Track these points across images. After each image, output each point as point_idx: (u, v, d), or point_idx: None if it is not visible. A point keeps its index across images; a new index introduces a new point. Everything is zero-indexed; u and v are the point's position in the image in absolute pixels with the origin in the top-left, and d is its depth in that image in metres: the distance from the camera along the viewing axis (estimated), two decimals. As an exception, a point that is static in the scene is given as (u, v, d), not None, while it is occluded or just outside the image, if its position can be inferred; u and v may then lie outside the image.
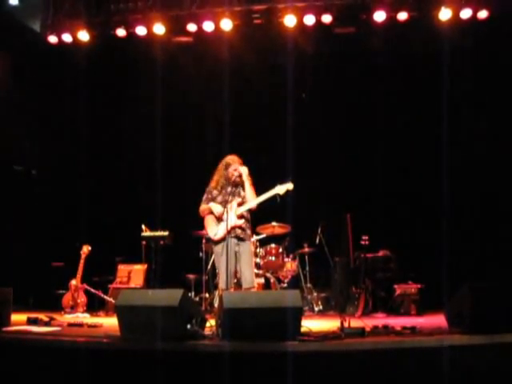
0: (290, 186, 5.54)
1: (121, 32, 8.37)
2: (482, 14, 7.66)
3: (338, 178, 8.66)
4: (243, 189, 5.72)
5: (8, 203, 8.14)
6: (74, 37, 8.47)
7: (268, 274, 7.47)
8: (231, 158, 5.80)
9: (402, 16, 7.82)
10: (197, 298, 7.64)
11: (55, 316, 5.78)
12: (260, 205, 5.64)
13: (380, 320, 6.06)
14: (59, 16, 8.50)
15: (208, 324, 4.54)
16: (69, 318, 6.59)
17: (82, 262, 7.41)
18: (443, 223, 7.60)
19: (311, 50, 8.45)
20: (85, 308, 7.29)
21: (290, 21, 7.96)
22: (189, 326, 4.08)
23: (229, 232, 5.44)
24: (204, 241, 7.56)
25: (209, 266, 7.54)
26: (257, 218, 6.22)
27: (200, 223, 5.91)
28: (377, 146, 8.53)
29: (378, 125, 8.47)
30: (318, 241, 7.65)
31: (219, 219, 5.61)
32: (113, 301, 7.15)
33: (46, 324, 5.28)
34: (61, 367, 3.97)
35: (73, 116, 9.09)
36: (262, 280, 7.45)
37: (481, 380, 3.77)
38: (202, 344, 4.02)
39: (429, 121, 8.32)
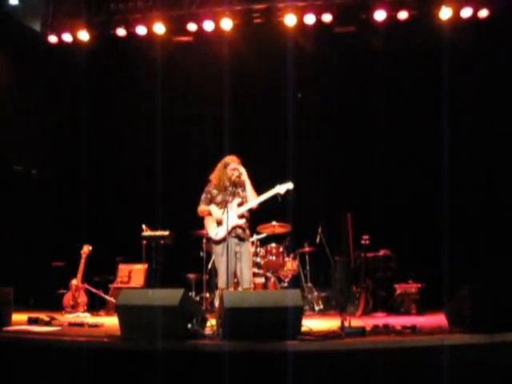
0: (290, 185, 5.54)
1: (121, 32, 8.38)
2: (483, 13, 7.67)
3: (338, 177, 8.66)
4: (243, 189, 5.73)
5: (8, 203, 8.14)
6: (74, 36, 8.48)
7: (268, 274, 7.47)
8: (230, 158, 5.79)
9: (403, 15, 7.82)
10: (197, 298, 7.64)
11: (56, 316, 5.78)
12: (261, 204, 5.64)
13: (380, 319, 6.07)
14: (59, 16, 8.52)
15: (208, 323, 4.55)
16: (69, 317, 6.60)
17: (82, 261, 7.41)
18: (444, 223, 7.59)
19: (311, 50, 8.44)
20: (85, 308, 7.29)
21: (290, 20, 7.97)
22: (189, 326, 4.09)
23: (230, 232, 5.45)
24: (204, 240, 7.56)
25: (209, 266, 7.53)
26: (257, 217, 6.23)
27: (200, 223, 5.91)
28: (377, 146, 8.53)
29: (378, 124, 8.46)
30: (318, 240, 7.64)
31: (219, 223, 5.61)
32: (113, 300, 7.16)
33: (47, 324, 5.29)
34: (61, 367, 3.97)
35: (73, 116, 9.09)
36: (263, 279, 7.45)
37: (481, 379, 3.77)
38: (203, 343, 4.03)
39: (429, 120, 8.31)
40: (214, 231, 5.65)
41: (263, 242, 7.76)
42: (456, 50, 7.71)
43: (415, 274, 7.23)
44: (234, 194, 5.66)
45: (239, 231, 5.62)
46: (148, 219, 7.83)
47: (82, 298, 7.30)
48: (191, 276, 7.98)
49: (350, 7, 7.94)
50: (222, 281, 5.47)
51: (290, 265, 7.64)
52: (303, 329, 4.26)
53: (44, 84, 8.96)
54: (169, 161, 8.59)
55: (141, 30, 8.32)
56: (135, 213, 8.43)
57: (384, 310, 7.00)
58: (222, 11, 8.06)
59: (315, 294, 7.69)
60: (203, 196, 5.80)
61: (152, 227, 7.79)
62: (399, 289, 7.08)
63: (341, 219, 7.85)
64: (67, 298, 7.29)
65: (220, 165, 5.81)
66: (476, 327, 4.03)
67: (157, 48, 8.49)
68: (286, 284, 7.64)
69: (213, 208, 5.68)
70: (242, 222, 5.64)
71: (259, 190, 5.72)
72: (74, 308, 7.20)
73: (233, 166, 5.69)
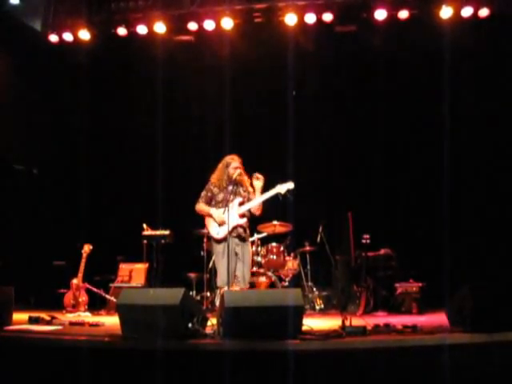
0: (290, 185, 5.54)
1: (122, 31, 8.39)
2: (483, 12, 7.66)
3: (339, 176, 8.66)
4: (244, 188, 5.74)
5: (9, 202, 8.15)
6: (75, 36, 8.49)
7: (269, 273, 7.47)
8: (231, 157, 5.80)
9: (403, 14, 7.82)
10: (198, 297, 7.64)
11: (57, 315, 5.79)
12: (262, 204, 5.65)
13: (381, 318, 6.07)
14: (60, 15, 8.53)
15: (209, 323, 4.55)
16: (70, 316, 6.60)
17: (83, 260, 7.41)
18: (444, 222, 7.59)
19: (312, 49, 8.44)
20: (86, 307, 7.29)
21: (290, 19, 7.97)
22: (190, 325, 4.09)
23: (231, 232, 5.45)
24: (205, 239, 7.57)
25: (210, 265, 7.54)
26: (258, 216, 6.22)
27: (201, 222, 5.92)
28: (378, 145, 8.53)
29: (379, 123, 8.46)
30: (319, 239, 7.65)
31: (220, 225, 5.60)
32: (114, 300, 7.16)
33: (48, 323, 5.29)
34: (62, 366, 3.97)
35: (73, 115, 9.09)
36: (264, 279, 7.46)
37: (482, 379, 3.77)
38: (204, 343, 4.03)
39: (430, 119, 8.31)
40: (215, 230, 5.65)
41: (264, 242, 7.76)
42: (456, 49, 7.71)
43: (416, 273, 7.22)
44: (235, 193, 5.67)
45: (240, 230, 5.63)
46: (149, 218, 7.84)
47: (83, 298, 7.30)
48: (192, 275, 7.99)
49: (350, 6, 7.94)
50: (221, 280, 5.49)
51: (291, 264, 7.64)
52: (304, 328, 4.26)
53: (44, 83, 8.96)
54: (169, 160, 8.59)
55: (141, 30, 8.33)
56: (136, 212, 8.44)
57: (385, 309, 7.00)
58: (223, 10, 8.06)
59: (316, 293, 7.69)
60: (203, 193, 5.80)
61: (153, 226, 7.81)
62: (400, 288, 7.08)
63: (341, 218, 7.85)
64: (68, 298, 7.29)
65: (221, 164, 5.83)
66: (476, 326, 4.03)
67: (157, 47, 8.49)
68: (286, 283, 7.64)
69: (213, 211, 5.68)
70: (244, 221, 5.65)
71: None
72: (75, 307, 7.20)
73: (234, 165, 5.70)
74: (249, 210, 5.70)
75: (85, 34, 8.43)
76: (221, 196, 5.70)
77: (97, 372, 3.90)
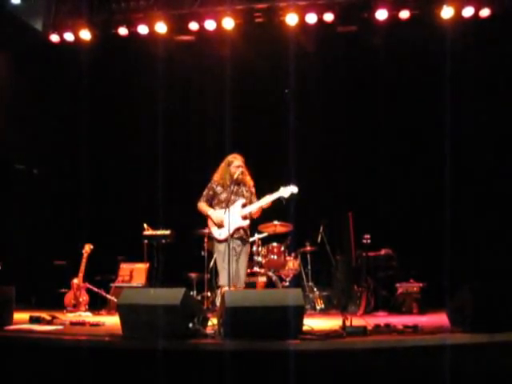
0: (294, 189, 5.52)
1: (123, 31, 8.39)
2: (484, 13, 7.67)
3: (339, 176, 8.65)
4: (247, 188, 5.73)
5: (10, 202, 8.15)
6: (76, 36, 8.50)
7: (270, 273, 7.48)
8: (234, 156, 5.79)
9: (404, 14, 7.82)
10: (199, 297, 7.65)
11: (57, 315, 5.77)
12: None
13: (382, 319, 6.06)
14: (61, 15, 8.53)
15: (210, 323, 4.55)
16: (71, 316, 6.60)
17: (84, 260, 7.41)
18: (445, 222, 7.59)
19: (313, 49, 8.44)
20: (87, 307, 7.29)
21: (291, 19, 7.97)
22: (190, 325, 4.09)
23: (233, 234, 5.44)
24: (206, 239, 7.58)
25: (210, 265, 7.54)
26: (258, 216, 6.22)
27: (201, 222, 5.91)
28: (379, 145, 8.52)
29: (380, 123, 8.46)
30: (319, 239, 7.65)
31: (220, 226, 5.60)
32: (115, 299, 7.16)
33: (48, 323, 5.29)
34: (63, 366, 3.97)
35: (74, 115, 9.09)
36: (265, 279, 7.46)
37: (482, 379, 3.77)
38: (204, 343, 4.02)
39: (430, 119, 8.30)
40: (217, 231, 5.64)
41: (264, 241, 7.76)
42: (457, 49, 7.70)
43: (417, 273, 7.23)
44: (237, 193, 5.66)
45: (242, 232, 5.63)
46: (149, 218, 7.84)
47: (84, 297, 7.30)
48: (192, 275, 7.99)
49: (351, 6, 7.95)
50: (222, 279, 5.48)
51: (292, 264, 7.64)
52: (304, 328, 4.26)
53: (46, 83, 8.96)
54: (170, 160, 8.60)
55: (142, 30, 8.33)
56: (137, 212, 8.44)
57: (385, 309, 7.00)
58: (224, 10, 8.06)
59: (316, 293, 7.69)
60: (205, 192, 5.80)
61: (153, 226, 7.80)
62: (400, 288, 7.08)
63: (342, 218, 7.84)
64: (69, 297, 7.29)
65: (223, 163, 5.82)
66: (477, 327, 4.02)
67: (158, 47, 8.49)
68: (287, 283, 7.64)
69: (211, 212, 5.67)
70: (246, 223, 5.63)
71: (260, 190, 5.72)
72: (76, 307, 7.20)
73: (236, 164, 5.70)
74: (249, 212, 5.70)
75: (86, 34, 8.43)
76: (224, 195, 5.68)
77: (97, 372, 3.90)
